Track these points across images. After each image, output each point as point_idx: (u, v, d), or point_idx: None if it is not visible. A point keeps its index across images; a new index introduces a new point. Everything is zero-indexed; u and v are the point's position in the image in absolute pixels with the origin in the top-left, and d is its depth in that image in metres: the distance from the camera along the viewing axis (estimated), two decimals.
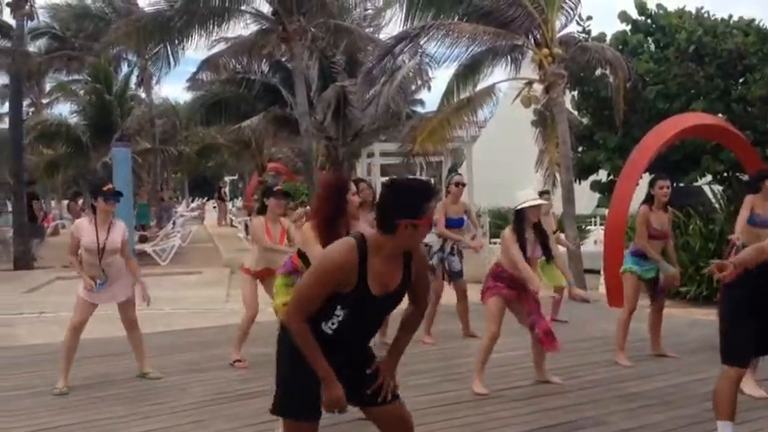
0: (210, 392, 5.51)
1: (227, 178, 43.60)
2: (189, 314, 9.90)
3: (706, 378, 5.63)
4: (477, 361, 5.33)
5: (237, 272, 14.49)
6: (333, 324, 2.75)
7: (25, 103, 21.95)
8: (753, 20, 15.98)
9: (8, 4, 17.07)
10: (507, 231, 5.27)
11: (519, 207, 5.20)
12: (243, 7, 16.79)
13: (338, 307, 2.74)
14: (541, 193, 8.55)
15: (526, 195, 5.28)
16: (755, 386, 5.03)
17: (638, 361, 6.21)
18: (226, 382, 5.84)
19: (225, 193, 32.76)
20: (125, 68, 25.80)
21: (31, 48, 23.21)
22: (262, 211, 6.32)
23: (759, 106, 14.88)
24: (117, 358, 6.50)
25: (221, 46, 19.59)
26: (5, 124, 30.46)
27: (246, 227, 20.94)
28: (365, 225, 5.84)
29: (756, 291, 3.67)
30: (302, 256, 4.71)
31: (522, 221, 5.20)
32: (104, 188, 5.64)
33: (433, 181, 26.42)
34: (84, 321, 5.70)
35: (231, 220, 28.75)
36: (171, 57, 16.81)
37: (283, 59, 19.90)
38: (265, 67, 20.90)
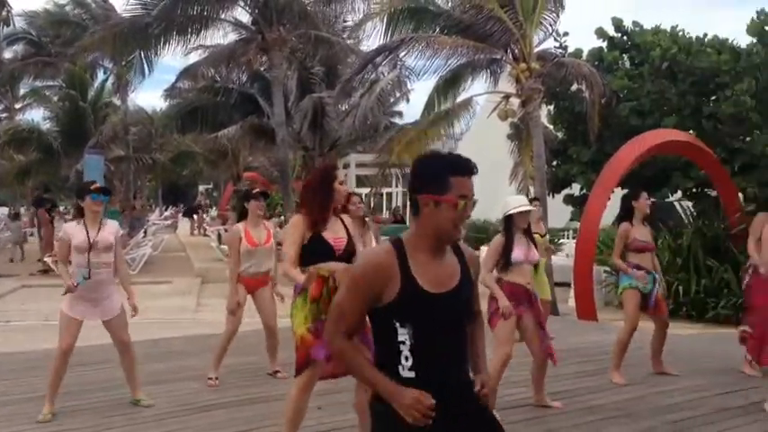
0: (176, 404, 5.45)
1: (201, 187, 43.27)
2: (158, 324, 9.79)
3: (670, 390, 5.71)
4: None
5: (209, 282, 14.55)
6: (406, 358, 2.28)
7: None
8: (726, 39, 16.27)
9: None
10: (497, 238, 5.18)
11: (508, 212, 5.11)
12: (222, 16, 16.78)
13: (398, 326, 2.28)
14: (531, 201, 8.51)
15: (516, 201, 5.22)
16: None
17: (603, 372, 6.25)
18: (192, 393, 5.78)
19: (202, 205, 32.51)
20: (101, 76, 25.64)
21: (7, 53, 22.97)
22: (242, 216, 6.22)
23: (729, 124, 15.12)
24: (85, 368, 6.41)
25: (199, 54, 19.58)
26: None
27: (220, 236, 20.82)
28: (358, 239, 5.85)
29: None
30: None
31: (511, 227, 5.12)
32: (92, 187, 5.41)
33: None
34: (72, 344, 5.26)
35: (204, 230, 28.59)
36: (145, 64, 16.73)
37: (262, 69, 19.89)
38: (243, 77, 20.88)
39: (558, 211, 18.16)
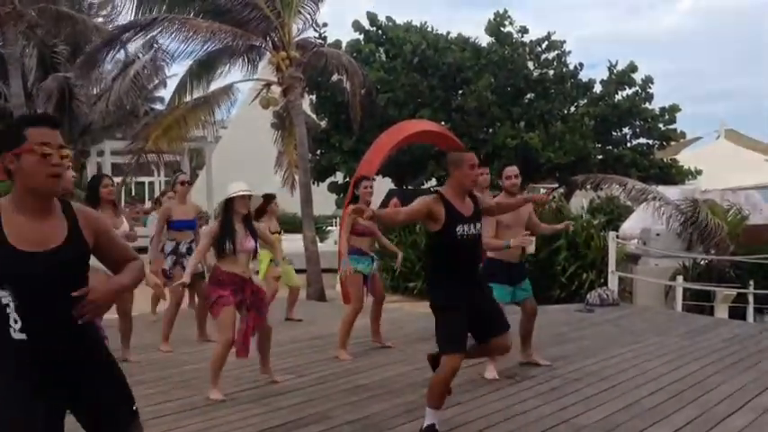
0: None
1: None
2: None
3: (427, 366, 6.04)
4: (212, 369, 5.12)
5: None
6: (15, 320, 2.24)
7: None
8: (469, 37, 17.65)
9: None
10: (213, 223, 5.15)
11: (227, 197, 5.08)
12: None
13: None
14: (267, 197, 8.41)
15: (236, 186, 5.14)
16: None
17: (366, 354, 6.49)
18: None
19: None
20: None
21: None
22: None
23: (474, 117, 16.47)
24: None
25: None
26: None
27: None
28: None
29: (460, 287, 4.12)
30: None
31: (229, 212, 5.05)
32: None
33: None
34: None
35: None
36: None
37: None
38: None
39: (325, 199, 18.56)
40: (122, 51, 15.44)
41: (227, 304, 4.99)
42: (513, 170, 5.80)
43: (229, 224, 5.01)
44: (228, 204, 5.06)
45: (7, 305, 2.25)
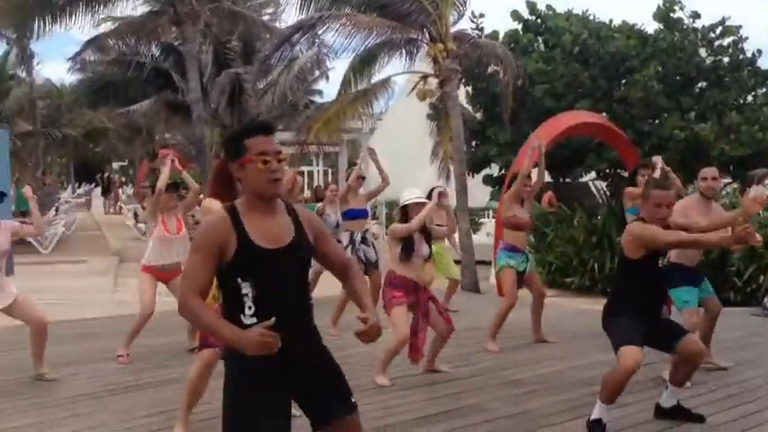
0: (93, 386, 5.29)
1: (115, 164, 41.84)
2: (72, 305, 9.41)
3: (587, 364, 5.91)
4: (383, 360, 5.34)
5: (127, 261, 14.09)
6: (249, 308, 2.54)
7: None
8: (634, 24, 16.82)
9: None
10: (394, 225, 5.43)
11: (403, 203, 5.37)
12: None
13: (239, 281, 2.53)
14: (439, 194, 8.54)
15: (410, 193, 5.40)
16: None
17: (525, 348, 6.44)
18: (110, 375, 5.63)
19: (110, 179, 31.43)
20: (3, 47, 24.28)
21: None
22: None
23: (638, 107, 15.70)
24: None
25: (109, 27, 18.76)
26: None
27: (136, 214, 20.25)
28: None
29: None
30: None
31: (406, 218, 5.32)
32: None
33: (330, 171, 26.43)
34: None
35: (120, 208, 27.67)
36: (47, 35, 15.89)
37: (176, 43, 19.27)
38: (156, 50, 20.17)
39: (479, 191, 18.48)
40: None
41: (400, 304, 5.24)
42: (711, 171, 5.28)
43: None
44: (405, 210, 5.34)
45: (246, 294, 2.55)
